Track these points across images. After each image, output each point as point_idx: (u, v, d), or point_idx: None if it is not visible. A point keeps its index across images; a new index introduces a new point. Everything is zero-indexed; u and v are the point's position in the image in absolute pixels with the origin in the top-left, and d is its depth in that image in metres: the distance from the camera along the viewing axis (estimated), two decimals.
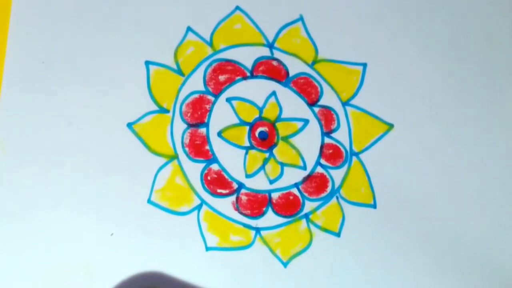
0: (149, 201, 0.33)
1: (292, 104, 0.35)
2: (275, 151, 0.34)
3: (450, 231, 0.34)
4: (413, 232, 0.34)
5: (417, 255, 0.34)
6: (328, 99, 0.35)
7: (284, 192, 0.34)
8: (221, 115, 0.34)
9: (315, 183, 0.34)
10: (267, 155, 0.34)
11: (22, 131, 0.33)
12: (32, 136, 0.33)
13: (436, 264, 0.34)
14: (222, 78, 0.34)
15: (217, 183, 0.34)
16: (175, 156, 0.34)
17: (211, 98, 0.34)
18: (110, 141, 0.33)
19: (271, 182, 0.34)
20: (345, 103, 0.35)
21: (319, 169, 0.34)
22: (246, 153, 0.34)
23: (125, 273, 0.32)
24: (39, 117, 0.33)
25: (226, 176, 0.34)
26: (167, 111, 0.34)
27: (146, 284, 0.32)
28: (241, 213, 0.34)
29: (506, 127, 0.36)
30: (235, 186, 0.34)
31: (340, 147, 0.35)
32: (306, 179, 0.34)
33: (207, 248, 0.33)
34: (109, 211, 0.33)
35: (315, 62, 0.35)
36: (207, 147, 0.34)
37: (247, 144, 0.34)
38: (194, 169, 0.34)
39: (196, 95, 0.34)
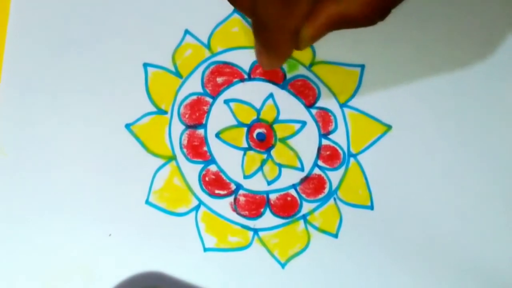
0: (147, 202, 0.33)
1: (290, 106, 0.35)
2: (272, 152, 0.34)
3: (448, 233, 0.34)
4: (410, 233, 0.34)
5: (414, 257, 0.34)
6: (326, 100, 0.35)
7: (282, 193, 0.34)
8: (219, 116, 0.34)
9: (313, 185, 0.34)
10: (265, 156, 0.34)
11: (21, 133, 0.33)
12: (31, 138, 0.33)
13: (433, 266, 0.34)
14: (220, 80, 0.35)
15: (215, 184, 0.34)
16: (173, 157, 0.34)
17: (209, 99, 0.35)
18: (108, 142, 0.34)
19: (269, 183, 0.34)
20: (342, 105, 0.35)
21: (317, 171, 0.34)
22: (244, 154, 0.34)
23: (123, 274, 0.33)
24: (38, 119, 0.34)
25: (224, 177, 0.34)
26: (165, 112, 0.34)
27: (144, 285, 0.33)
28: (239, 214, 0.34)
29: (505, 129, 0.35)
30: (233, 187, 0.34)
31: (338, 148, 0.35)
32: (304, 180, 0.34)
33: (205, 249, 0.33)
34: (107, 212, 0.33)
35: (312, 64, 0.35)
36: (205, 148, 0.34)
37: (245, 145, 0.34)
38: (192, 170, 0.34)
39: (194, 97, 0.34)
